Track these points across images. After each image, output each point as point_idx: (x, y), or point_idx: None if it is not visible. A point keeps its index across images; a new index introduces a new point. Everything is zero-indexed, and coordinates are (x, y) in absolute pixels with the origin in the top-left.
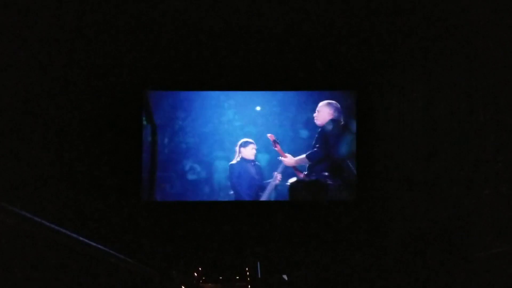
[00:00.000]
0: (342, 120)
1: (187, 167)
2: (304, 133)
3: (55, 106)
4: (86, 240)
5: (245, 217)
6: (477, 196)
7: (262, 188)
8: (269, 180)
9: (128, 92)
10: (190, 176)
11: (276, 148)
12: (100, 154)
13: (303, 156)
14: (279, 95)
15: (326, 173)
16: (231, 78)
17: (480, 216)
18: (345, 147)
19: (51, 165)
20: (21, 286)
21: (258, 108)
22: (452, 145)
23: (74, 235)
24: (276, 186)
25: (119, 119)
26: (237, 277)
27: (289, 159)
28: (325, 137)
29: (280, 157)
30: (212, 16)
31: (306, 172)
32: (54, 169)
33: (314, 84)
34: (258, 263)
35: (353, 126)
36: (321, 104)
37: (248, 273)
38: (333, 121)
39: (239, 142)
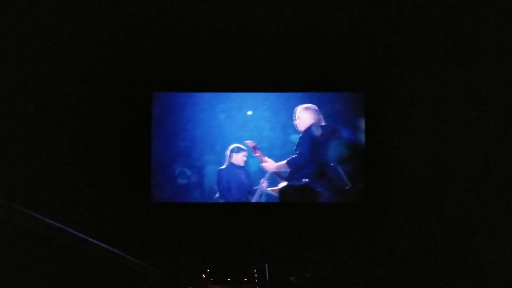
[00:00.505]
0: (323, 123)
1: (191, 167)
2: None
3: (60, 107)
4: (95, 241)
5: (252, 219)
6: (486, 199)
7: (252, 193)
8: (257, 187)
9: (129, 92)
10: (193, 177)
11: (256, 154)
12: (106, 155)
13: (284, 162)
14: (271, 98)
15: (306, 179)
16: (232, 80)
17: (489, 219)
18: (332, 151)
19: (55, 165)
20: (27, 286)
21: (249, 113)
22: (461, 148)
23: (83, 236)
24: (263, 192)
25: (124, 120)
26: (245, 279)
27: (269, 164)
28: (308, 143)
29: (261, 163)
30: (211, 16)
31: (287, 178)
32: (58, 170)
33: (319, 86)
34: (266, 265)
35: (343, 131)
36: (298, 109)
37: (256, 275)
38: (315, 125)
39: (231, 147)
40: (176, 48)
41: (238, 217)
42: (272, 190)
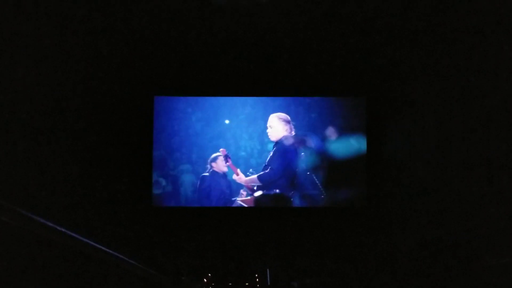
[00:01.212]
0: (293, 133)
1: (191, 171)
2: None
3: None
4: (97, 245)
5: (254, 223)
6: (488, 203)
7: (231, 203)
8: (235, 198)
9: (131, 96)
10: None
11: (228, 164)
12: (107, 159)
13: (255, 176)
14: (248, 105)
15: (277, 190)
16: (237, 84)
17: (491, 224)
18: (305, 160)
19: (55, 168)
20: None
21: (227, 121)
22: (462, 152)
23: (85, 240)
24: (241, 204)
25: (125, 124)
26: (246, 283)
27: (239, 178)
28: (281, 158)
29: (233, 176)
30: (212, 22)
31: (256, 189)
32: (58, 173)
33: (318, 91)
34: (268, 269)
35: (312, 139)
36: (271, 118)
37: (257, 280)
38: (288, 137)
39: (209, 159)
40: (175, 53)
41: (240, 222)
42: (241, 200)
